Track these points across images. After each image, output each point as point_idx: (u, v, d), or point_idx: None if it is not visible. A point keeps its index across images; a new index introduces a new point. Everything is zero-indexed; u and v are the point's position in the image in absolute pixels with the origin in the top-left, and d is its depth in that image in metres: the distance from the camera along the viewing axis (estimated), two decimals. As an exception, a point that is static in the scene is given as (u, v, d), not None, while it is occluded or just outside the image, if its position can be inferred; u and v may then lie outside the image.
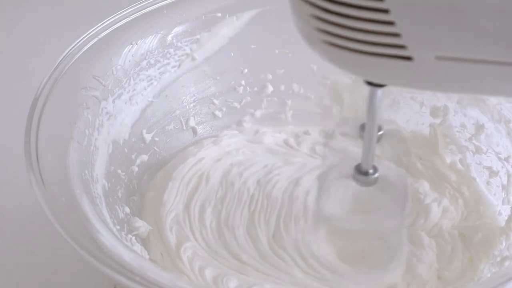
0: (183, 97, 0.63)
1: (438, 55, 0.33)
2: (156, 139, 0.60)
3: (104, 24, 0.55)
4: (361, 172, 0.48)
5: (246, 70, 0.64)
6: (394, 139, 0.64)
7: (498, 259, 0.51)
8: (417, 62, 0.33)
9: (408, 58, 0.33)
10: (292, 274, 0.51)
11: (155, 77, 0.59)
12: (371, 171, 0.48)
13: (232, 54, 0.63)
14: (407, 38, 0.32)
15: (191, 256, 0.52)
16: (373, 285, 0.51)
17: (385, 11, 0.31)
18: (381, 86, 0.40)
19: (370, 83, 0.39)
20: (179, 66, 0.61)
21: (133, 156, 0.58)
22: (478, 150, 0.59)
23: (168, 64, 0.60)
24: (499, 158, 0.57)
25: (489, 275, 0.50)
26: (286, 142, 0.64)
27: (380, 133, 0.46)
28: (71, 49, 0.53)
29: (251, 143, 0.64)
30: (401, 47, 0.33)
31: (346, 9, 0.32)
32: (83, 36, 0.54)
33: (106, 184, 0.52)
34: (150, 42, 0.58)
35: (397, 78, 0.36)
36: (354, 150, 0.56)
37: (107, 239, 0.42)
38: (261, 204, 0.57)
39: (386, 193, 0.53)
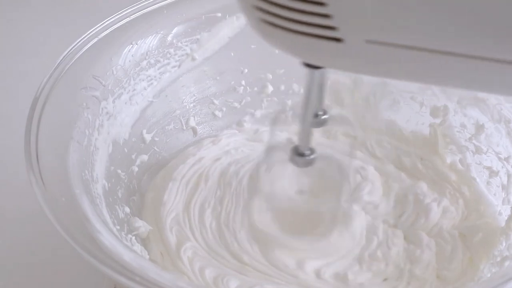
0: (183, 97, 0.63)
1: (369, 39, 0.33)
2: (156, 139, 0.61)
3: (104, 24, 0.55)
4: (298, 153, 0.48)
5: (246, 70, 0.64)
6: (394, 139, 0.64)
7: (498, 259, 0.51)
8: (348, 45, 0.34)
9: (338, 40, 0.34)
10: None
11: (155, 77, 0.59)
12: (307, 152, 0.48)
13: (232, 54, 0.63)
14: (338, 19, 0.33)
15: (191, 256, 0.52)
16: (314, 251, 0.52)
17: None
18: (317, 67, 0.40)
19: (307, 65, 0.40)
20: (179, 66, 0.61)
21: (133, 156, 0.58)
22: (478, 150, 0.59)
23: (168, 64, 0.60)
24: (499, 158, 0.57)
25: (489, 275, 0.50)
26: (289, 141, 0.64)
27: (325, 117, 0.46)
28: (71, 49, 0.53)
29: (251, 141, 0.64)
30: (332, 28, 0.33)
31: None
32: (83, 36, 0.54)
33: (106, 184, 0.52)
34: (150, 42, 0.58)
35: (329, 60, 0.37)
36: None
37: (107, 239, 0.42)
38: None
39: (326, 174, 0.54)
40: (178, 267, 0.51)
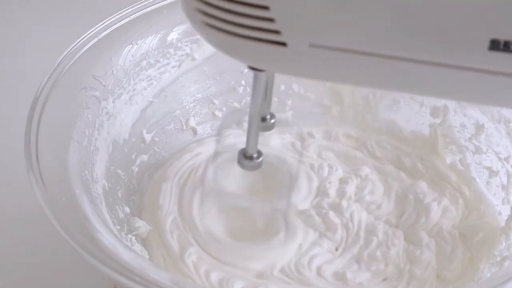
0: (183, 97, 0.63)
1: (312, 43, 0.33)
2: (156, 139, 0.61)
3: (104, 24, 0.55)
4: (245, 157, 0.49)
5: (246, 70, 0.64)
6: (394, 139, 0.64)
7: (498, 259, 0.51)
8: (292, 48, 0.34)
9: (282, 44, 0.34)
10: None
11: (155, 77, 0.59)
12: (255, 155, 0.48)
13: (232, 54, 0.63)
14: (281, 23, 0.33)
15: (195, 260, 0.52)
16: (260, 260, 0.52)
17: None
18: (260, 70, 0.40)
19: (252, 68, 0.40)
20: (179, 66, 0.61)
21: (133, 156, 0.58)
22: (478, 150, 0.59)
23: (168, 64, 0.60)
24: (499, 158, 0.57)
25: (489, 275, 0.50)
26: (293, 145, 0.64)
27: (272, 121, 0.47)
28: (71, 49, 0.53)
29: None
30: (276, 32, 0.33)
31: None
32: (83, 36, 0.54)
33: (106, 184, 0.52)
34: (150, 42, 0.58)
35: (273, 64, 0.37)
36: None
37: (107, 239, 0.42)
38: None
39: (274, 176, 0.55)
40: (181, 270, 0.51)
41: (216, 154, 0.57)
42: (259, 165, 0.49)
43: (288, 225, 0.54)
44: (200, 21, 0.35)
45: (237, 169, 0.51)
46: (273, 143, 0.63)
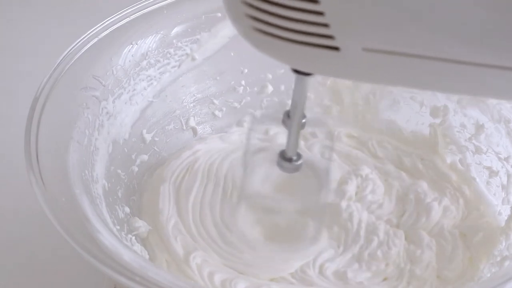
0: (183, 97, 0.63)
1: (365, 47, 0.33)
2: (156, 139, 0.60)
3: (104, 24, 0.55)
4: (285, 159, 0.48)
5: (246, 70, 0.64)
6: (394, 139, 0.64)
7: (498, 259, 0.51)
8: (345, 53, 0.34)
9: (335, 48, 0.34)
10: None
11: (155, 77, 0.59)
12: (294, 158, 0.48)
13: (232, 54, 0.63)
14: (335, 28, 0.33)
15: (199, 263, 0.52)
16: (297, 259, 0.52)
17: (315, 1, 0.32)
18: (308, 74, 0.40)
19: (297, 71, 0.39)
20: (179, 66, 0.61)
21: (133, 156, 0.58)
22: (478, 150, 0.59)
23: (168, 64, 0.60)
24: (499, 158, 0.57)
25: (489, 275, 0.50)
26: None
27: (303, 120, 0.46)
28: (71, 49, 0.53)
29: (262, 141, 0.64)
30: (329, 37, 0.33)
31: None
32: (83, 36, 0.54)
33: (106, 184, 0.52)
34: (150, 42, 0.58)
35: (325, 68, 0.37)
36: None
37: (107, 239, 0.42)
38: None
39: (308, 176, 0.54)
40: (185, 273, 0.51)
41: (248, 155, 0.56)
42: (298, 168, 0.49)
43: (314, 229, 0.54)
44: (249, 27, 0.34)
45: (272, 171, 0.51)
46: (279, 141, 0.63)
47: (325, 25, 0.32)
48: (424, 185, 0.59)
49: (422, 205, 0.57)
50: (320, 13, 0.32)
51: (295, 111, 0.44)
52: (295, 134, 0.46)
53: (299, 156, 0.48)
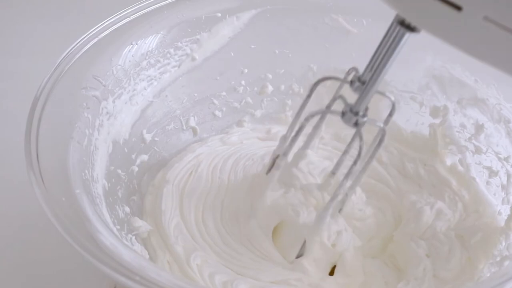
0: (183, 97, 0.63)
1: (487, 16, 0.33)
2: (156, 139, 0.61)
3: (104, 24, 0.55)
4: (352, 111, 0.48)
5: (246, 70, 0.64)
6: (394, 139, 0.64)
7: (498, 258, 0.51)
8: (465, 15, 0.34)
9: (458, 8, 0.34)
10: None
11: (155, 77, 0.59)
12: (361, 113, 0.48)
13: (232, 54, 0.63)
14: None
15: (200, 263, 0.52)
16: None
17: None
18: (412, 30, 0.39)
19: (402, 24, 0.39)
20: (179, 66, 0.61)
21: (133, 156, 0.58)
22: (477, 150, 0.59)
23: (168, 64, 0.60)
24: (499, 158, 0.57)
25: (488, 275, 0.50)
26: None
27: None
28: (71, 49, 0.53)
29: (263, 140, 0.64)
30: None
31: None
32: (83, 36, 0.54)
33: (106, 184, 0.52)
34: (150, 42, 0.58)
35: (440, 27, 0.36)
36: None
37: (107, 239, 0.42)
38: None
39: None
40: (186, 273, 0.51)
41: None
42: (362, 124, 0.48)
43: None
44: None
45: None
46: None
47: None
48: (414, 193, 0.59)
49: (411, 213, 0.56)
50: None
51: (378, 65, 0.44)
52: (371, 88, 0.46)
53: (365, 114, 0.48)
